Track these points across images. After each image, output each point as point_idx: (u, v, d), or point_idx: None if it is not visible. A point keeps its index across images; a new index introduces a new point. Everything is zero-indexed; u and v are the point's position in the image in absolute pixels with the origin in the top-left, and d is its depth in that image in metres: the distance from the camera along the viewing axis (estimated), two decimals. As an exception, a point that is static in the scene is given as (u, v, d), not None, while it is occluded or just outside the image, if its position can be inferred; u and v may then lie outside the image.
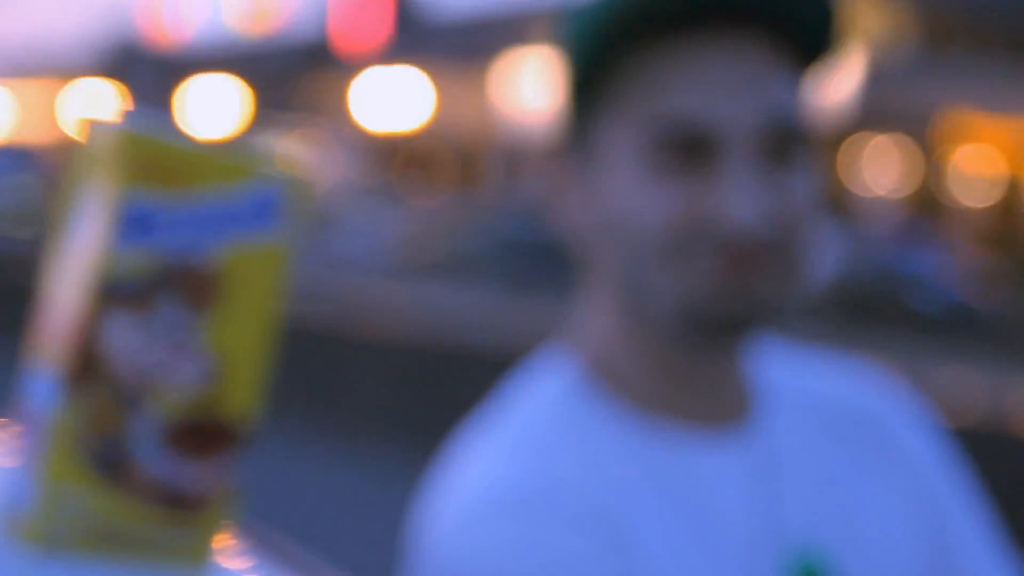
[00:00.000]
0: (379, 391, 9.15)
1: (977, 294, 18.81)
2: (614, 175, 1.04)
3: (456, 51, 33.11)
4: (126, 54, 47.54)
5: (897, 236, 21.61)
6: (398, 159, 36.78)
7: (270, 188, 0.64)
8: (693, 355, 1.07)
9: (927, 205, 28.49)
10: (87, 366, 0.62)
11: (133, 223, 0.62)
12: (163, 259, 0.62)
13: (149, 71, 42.31)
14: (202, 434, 0.64)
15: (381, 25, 37.13)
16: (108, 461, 0.63)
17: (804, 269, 1.05)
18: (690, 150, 1.01)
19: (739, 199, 1.00)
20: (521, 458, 1.05)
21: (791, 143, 1.03)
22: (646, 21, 1.01)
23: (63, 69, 49.62)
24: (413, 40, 35.60)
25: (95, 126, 0.64)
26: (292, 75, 39.42)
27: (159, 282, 0.62)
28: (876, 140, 28.60)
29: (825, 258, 19.48)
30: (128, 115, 0.63)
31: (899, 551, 1.10)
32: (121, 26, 51.30)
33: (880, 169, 28.84)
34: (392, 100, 35.13)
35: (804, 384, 1.16)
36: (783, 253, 1.02)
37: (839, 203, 28.23)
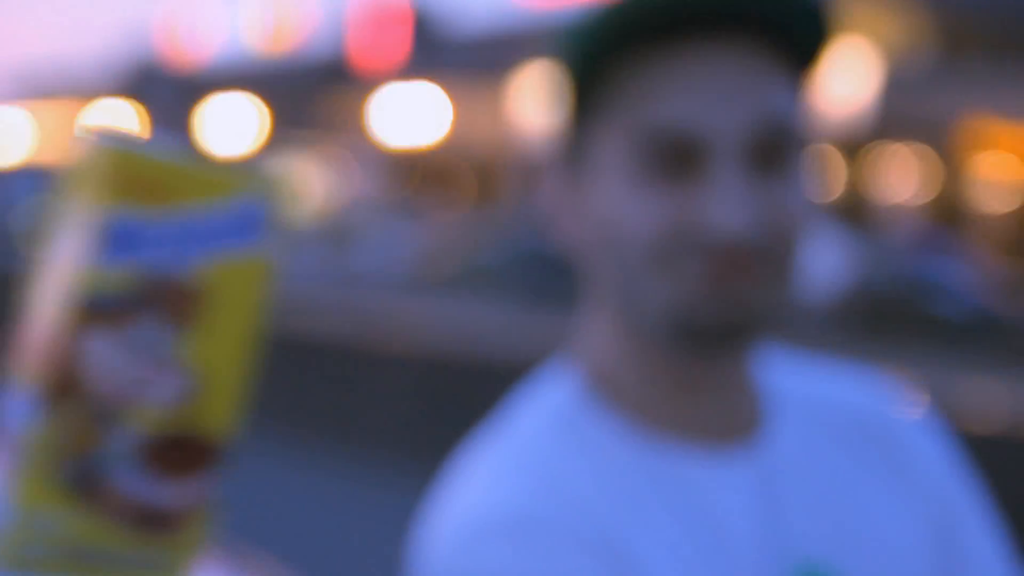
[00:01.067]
0: (397, 405, 9.10)
1: (998, 301, 18.68)
2: (605, 185, 1.05)
3: (473, 67, 33.13)
4: (145, 74, 47.71)
5: (917, 244, 21.53)
6: (416, 174, 36.77)
7: (253, 203, 0.64)
8: (690, 365, 1.07)
9: (947, 212, 28.33)
10: (65, 384, 0.61)
11: (113, 238, 0.61)
12: (144, 274, 0.62)
13: (168, 91, 42.43)
14: (181, 452, 0.63)
15: (398, 42, 37.17)
16: (85, 480, 0.62)
17: (795, 276, 1.05)
18: (679, 158, 1.02)
19: (727, 206, 1.01)
20: (520, 475, 1.05)
21: (783, 149, 1.03)
22: (634, 31, 1.02)
23: (83, 90, 49.82)
24: (430, 56, 35.64)
25: (79, 142, 0.63)
26: (310, 93, 39.49)
27: (140, 298, 0.62)
28: (895, 147, 28.46)
29: (835, 266, 19.37)
30: (109, 132, 0.62)
31: (907, 561, 1.10)
32: (140, 46, 51.47)
33: (899, 177, 28.69)
34: (410, 116, 35.14)
35: (812, 392, 1.16)
36: (773, 260, 1.02)
37: (858, 211, 28.08)
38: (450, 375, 8.78)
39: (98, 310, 0.61)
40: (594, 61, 1.04)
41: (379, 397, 9.31)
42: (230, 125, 41.22)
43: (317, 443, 9.33)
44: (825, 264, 19.72)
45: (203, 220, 0.62)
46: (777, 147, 1.03)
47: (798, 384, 1.16)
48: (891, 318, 18.45)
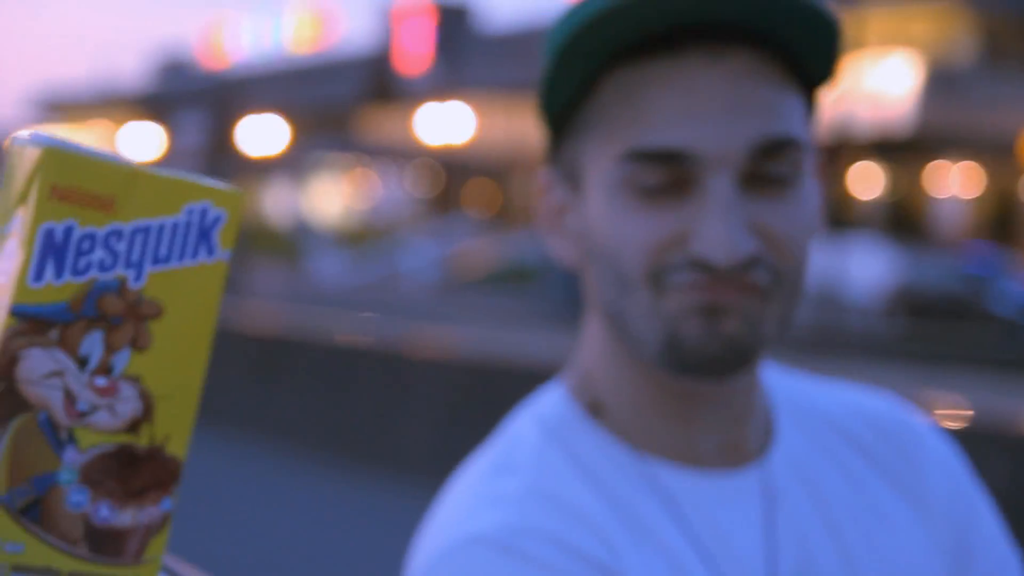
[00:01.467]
0: (433, 407, 8.79)
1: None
2: (597, 202, 1.03)
3: (504, 72, 32.99)
4: (179, 89, 47.85)
5: (969, 245, 21.83)
6: (450, 179, 36.84)
7: (202, 212, 0.61)
8: (683, 391, 1.05)
9: (996, 211, 28.20)
10: (9, 404, 0.59)
11: (55, 249, 0.58)
12: (88, 286, 0.59)
13: (201, 104, 42.35)
14: (132, 470, 0.61)
15: (430, 47, 37.17)
16: (35, 505, 0.59)
17: (796, 296, 1.03)
18: (671, 176, 1.00)
19: (718, 233, 0.98)
20: (508, 486, 1.05)
21: (783, 165, 1.00)
22: (627, 43, 1.00)
23: (109, 111, 50.00)
24: (463, 62, 35.57)
25: (18, 146, 0.61)
26: (344, 100, 39.57)
27: (83, 311, 0.59)
28: (943, 150, 28.35)
29: (878, 271, 19.65)
30: (51, 136, 0.59)
31: (915, 573, 1.09)
32: (175, 61, 51.73)
33: (944, 179, 28.54)
34: (443, 122, 35.15)
35: (816, 404, 1.14)
36: (767, 285, 1.00)
37: (906, 215, 27.95)
38: (482, 381, 8.53)
39: (35, 326, 0.58)
40: (585, 72, 1.02)
41: (413, 400, 9.04)
42: (264, 134, 41.28)
43: (353, 455, 8.95)
44: (868, 270, 19.96)
45: (152, 231, 0.60)
46: (776, 164, 1.00)
47: (802, 396, 1.14)
48: (940, 316, 18.39)
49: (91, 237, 0.59)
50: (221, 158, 33.62)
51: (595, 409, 1.07)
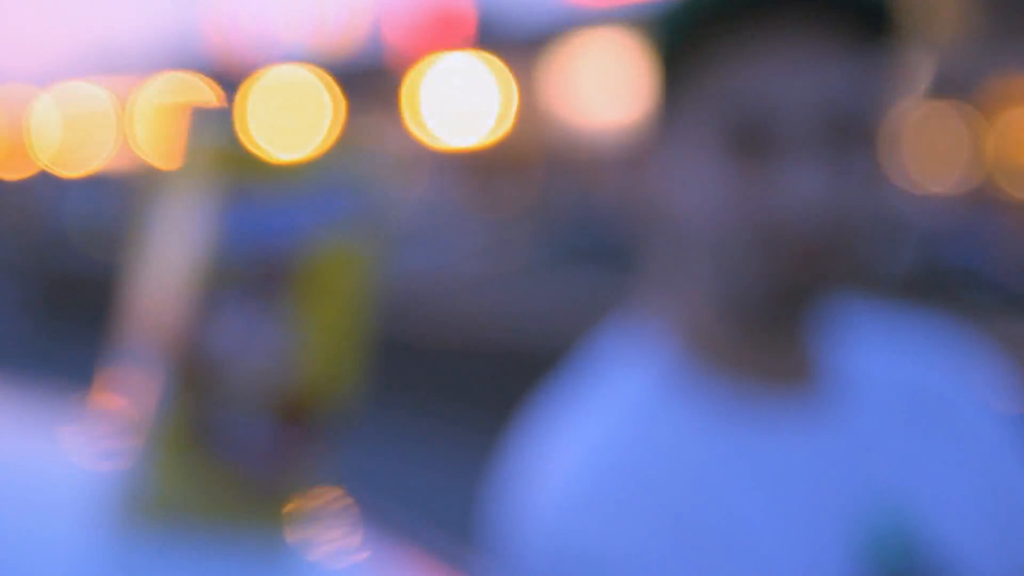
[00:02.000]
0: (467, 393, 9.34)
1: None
2: (689, 163, 1.07)
3: (526, 63, 32.97)
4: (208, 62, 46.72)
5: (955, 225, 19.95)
6: (475, 170, 36.44)
7: (359, 188, 0.66)
8: (769, 326, 1.10)
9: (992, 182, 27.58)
10: (191, 353, 0.65)
11: (229, 221, 0.64)
12: (258, 253, 0.65)
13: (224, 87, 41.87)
14: (292, 413, 0.67)
15: (453, 38, 36.88)
16: (210, 439, 0.67)
17: (866, 256, 1.06)
18: (755, 137, 1.04)
19: (800, 190, 1.03)
20: (619, 450, 1.07)
21: (857, 131, 1.05)
22: (726, 7, 1.04)
23: (147, 67, 48.04)
24: (487, 44, 35.24)
25: (189, 129, 0.66)
26: (368, 92, 39.10)
27: (255, 274, 0.65)
28: (943, 111, 27.77)
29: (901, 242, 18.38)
30: (215, 114, 0.65)
31: (976, 530, 1.11)
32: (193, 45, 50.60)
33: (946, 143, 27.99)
34: (466, 112, 34.89)
35: (885, 363, 1.17)
36: (843, 242, 1.05)
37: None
38: (514, 364, 8.99)
39: (217, 286, 0.64)
40: (683, 37, 1.06)
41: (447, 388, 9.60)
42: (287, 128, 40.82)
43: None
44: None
45: (313, 204, 0.65)
46: (850, 129, 1.05)
47: (873, 355, 1.17)
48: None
49: (260, 210, 0.62)
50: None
51: (702, 354, 1.11)
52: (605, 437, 1.08)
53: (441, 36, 35.89)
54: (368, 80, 38.38)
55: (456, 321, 10.66)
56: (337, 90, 33.03)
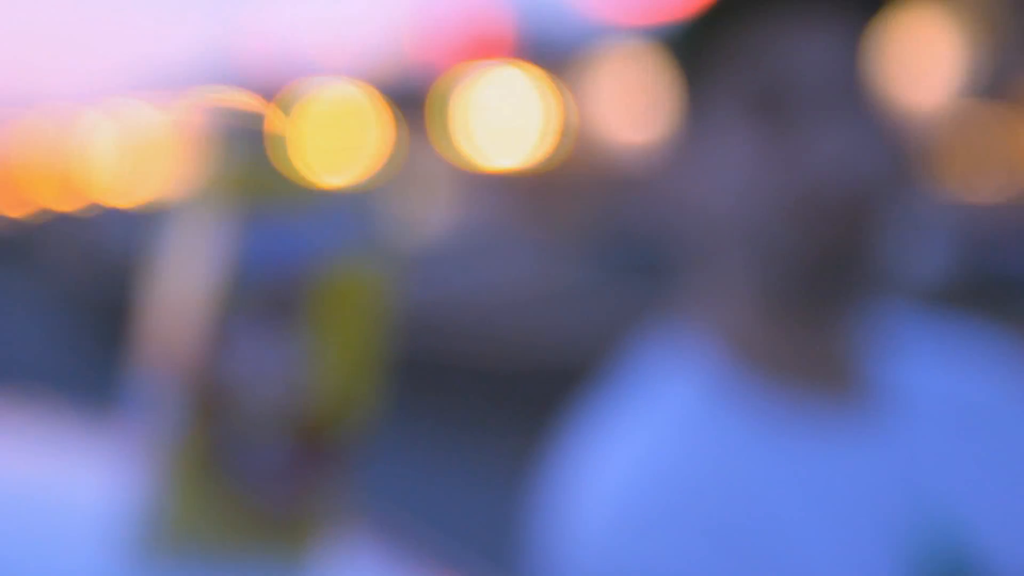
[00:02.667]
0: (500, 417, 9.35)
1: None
2: (717, 147, 1.08)
3: (567, 81, 33.00)
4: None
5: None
6: (516, 193, 36.46)
7: (374, 212, 0.66)
8: (808, 314, 1.09)
9: None
10: (208, 379, 0.65)
11: (246, 244, 0.64)
12: (275, 276, 0.64)
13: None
14: (307, 441, 0.67)
15: (493, 56, 36.84)
16: (228, 464, 0.66)
17: (890, 225, 1.08)
18: (779, 104, 1.07)
19: (826, 149, 1.05)
20: (666, 463, 1.06)
21: (870, 98, 1.08)
22: None
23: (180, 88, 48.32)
24: (530, 54, 35.27)
25: (216, 149, 0.65)
26: (410, 111, 39.21)
27: (271, 298, 0.64)
28: (987, 116, 27.66)
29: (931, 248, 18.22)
30: (237, 138, 0.64)
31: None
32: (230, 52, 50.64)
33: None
34: (509, 131, 34.95)
35: (934, 374, 1.16)
36: (871, 203, 1.06)
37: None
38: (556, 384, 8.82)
39: (234, 309, 0.64)
40: (710, 25, 1.08)
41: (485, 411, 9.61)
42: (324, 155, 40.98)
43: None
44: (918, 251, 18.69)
45: (330, 222, 0.64)
46: (865, 96, 1.08)
47: (921, 366, 1.16)
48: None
49: (275, 231, 0.62)
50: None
51: (746, 359, 1.10)
52: (651, 449, 1.06)
53: (480, 54, 35.89)
54: (410, 100, 38.48)
55: (502, 341, 10.67)
56: (380, 110, 33.12)
